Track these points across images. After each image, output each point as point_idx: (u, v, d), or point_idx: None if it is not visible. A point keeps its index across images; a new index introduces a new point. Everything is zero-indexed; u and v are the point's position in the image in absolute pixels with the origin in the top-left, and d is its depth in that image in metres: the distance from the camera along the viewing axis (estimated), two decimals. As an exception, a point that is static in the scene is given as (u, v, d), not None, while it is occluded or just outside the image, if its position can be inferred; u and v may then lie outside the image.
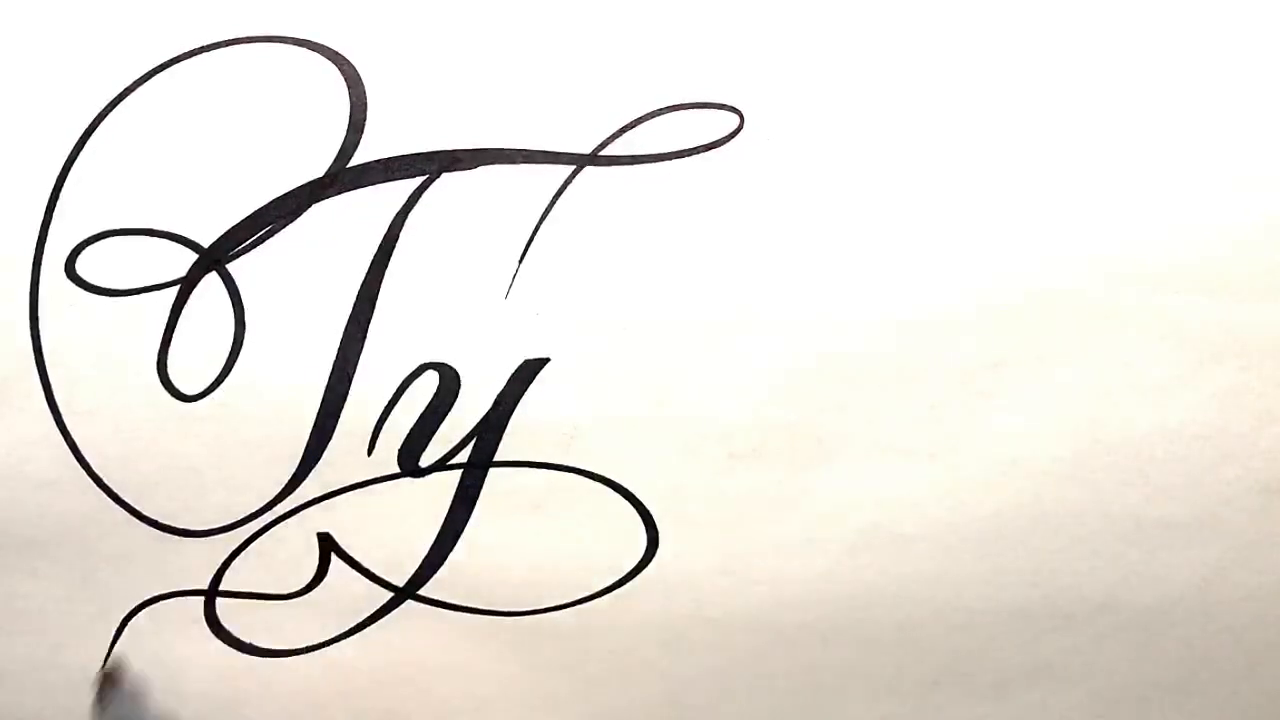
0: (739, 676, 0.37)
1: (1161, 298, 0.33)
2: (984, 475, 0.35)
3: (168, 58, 0.30)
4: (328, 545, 0.35)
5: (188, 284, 0.32)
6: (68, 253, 0.31)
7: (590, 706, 0.37)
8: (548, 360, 0.33)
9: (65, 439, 0.33)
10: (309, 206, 0.32)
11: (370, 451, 0.34)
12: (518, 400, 0.33)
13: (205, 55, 0.31)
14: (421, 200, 0.32)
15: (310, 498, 0.34)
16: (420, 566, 0.35)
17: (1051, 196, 0.32)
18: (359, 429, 0.33)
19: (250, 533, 0.34)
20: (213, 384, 0.33)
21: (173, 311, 0.32)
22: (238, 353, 0.32)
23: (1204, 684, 0.38)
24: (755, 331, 0.33)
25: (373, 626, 0.36)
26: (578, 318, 0.33)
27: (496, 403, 0.33)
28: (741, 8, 0.31)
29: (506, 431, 0.34)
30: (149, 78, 0.31)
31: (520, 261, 0.32)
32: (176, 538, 0.34)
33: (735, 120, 0.32)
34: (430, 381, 0.33)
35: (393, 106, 0.31)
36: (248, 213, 0.31)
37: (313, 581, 0.35)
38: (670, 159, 0.32)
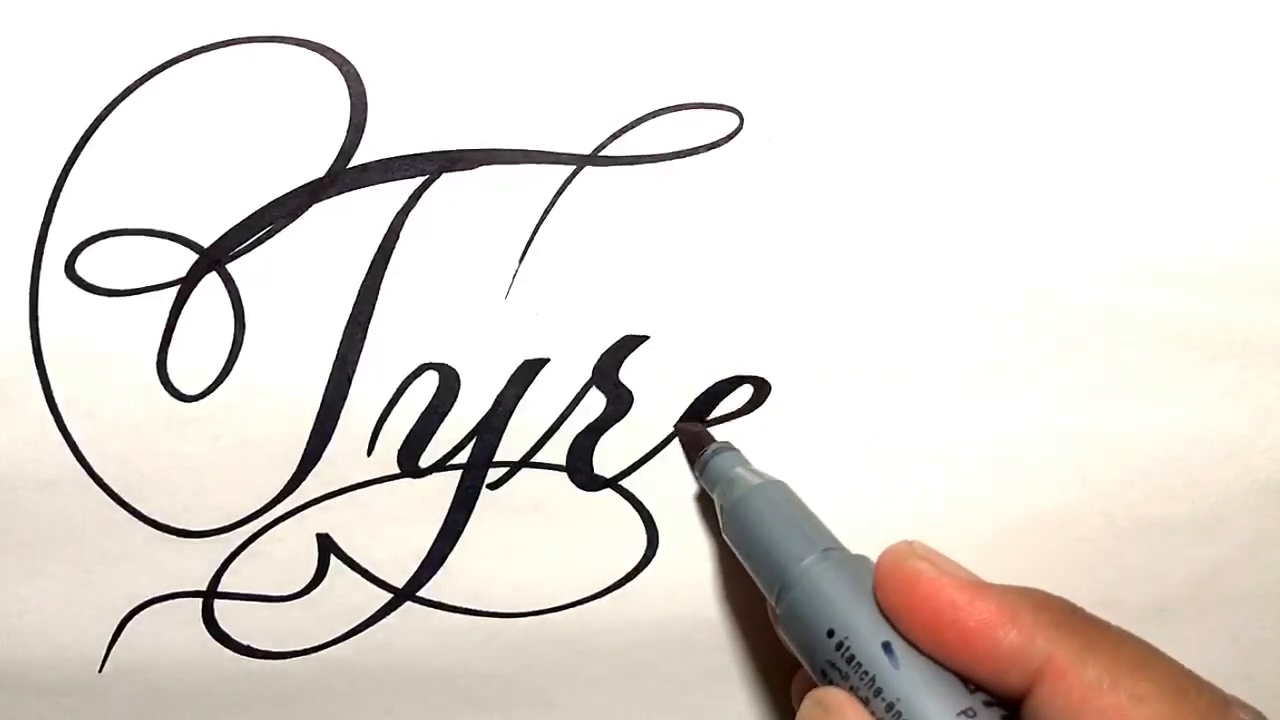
0: (739, 677, 0.37)
1: (1161, 298, 0.33)
2: (984, 475, 0.35)
3: (168, 58, 0.30)
4: (327, 546, 0.35)
5: (188, 284, 0.32)
6: (68, 253, 0.31)
7: (590, 708, 0.37)
8: (548, 360, 0.33)
9: (64, 439, 0.33)
10: (309, 207, 0.32)
11: (370, 452, 0.34)
12: (518, 400, 0.33)
13: (205, 55, 0.31)
14: (422, 200, 0.32)
15: (310, 498, 0.34)
16: (420, 567, 0.35)
17: (1052, 197, 0.32)
18: (359, 429, 0.33)
19: (250, 533, 0.34)
20: (213, 384, 0.33)
21: (173, 311, 0.32)
22: (238, 353, 0.32)
23: (1204, 684, 0.38)
24: (755, 331, 0.33)
25: (373, 627, 0.36)
26: (578, 318, 0.33)
27: (496, 403, 0.33)
28: (741, 8, 0.31)
29: (506, 432, 0.34)
30: (149, 78, 0.30)
31: (520, 261, 0.32)
32: (176, 538, 0.34)
33: (735, 120, 0.32)
34: (430, 381, 0.33)
35: (393, 106, 0.31)
36: (248, 213, 0.31)
37: (312, 582, 0.35)
38: (670, 159, 0.32)
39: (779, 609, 0.28)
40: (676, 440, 0.34)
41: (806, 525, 0.30)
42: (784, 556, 0.29)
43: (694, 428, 0.34)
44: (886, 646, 0.25)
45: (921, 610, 0.25)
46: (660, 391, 0.34)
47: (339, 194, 0.32)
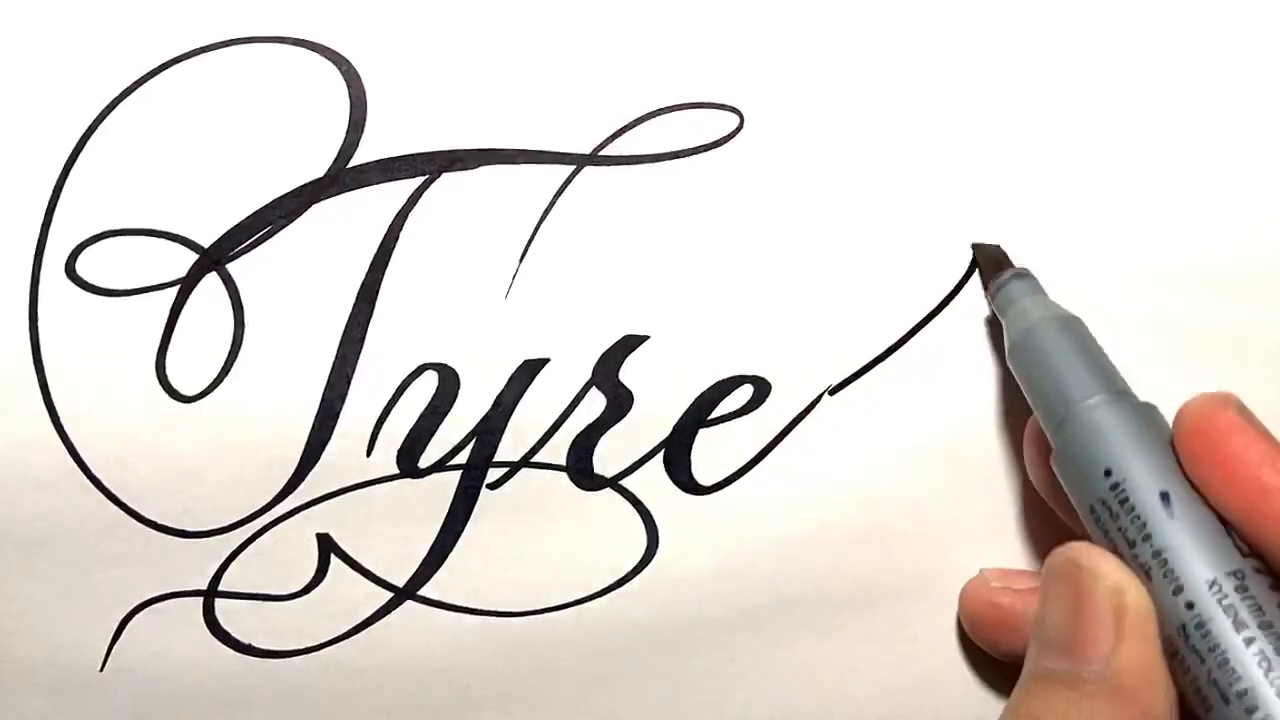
0: (739, 676, 0.37)
1: (1161, 298, 0.33)
2: (984, 474, 0.35)
3: (168, 58, 0.30)
4: (327, 546, 0.35)
5: (187, 284, 0.32)
6: (68, 253, 0.31)
7: (590, 707, 0.37)
8: (548, 360, 0.33)
9: (63, 440, 0.33)
10: (309, 207, 0.32)
11: (369, 452, 0.34)
12: (518, 401, 0.33)
13: (205, 55, 0.31)
14: (422, 200, 0.32)
15: (309, 499, 0.34)
16: (420, 567, 0.35)
17: (1051, 196, 0.32)
18: (358, 430, 0.33)
19: (249, 534, 0.34)
20: (212, 384, 0.33)
21: (172, 312, 0.32)
22: (237, 353, 0.32)
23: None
24: (755, 331, 0.33)
25: (373, 626, 0.36)
26: (578, 318, 0.33)
27: (496, 403, 0.33)
28: (741, 8, 0.31)
29: (506, 432, 0.34)
30: (149, 78, 0.30)
31: (520, 261, 0.32)
32: (175, 539, 0.34)
33: (735, 120, 0.32)
34: (430, 382, 0.33)
35: (393, 106, 0.31)
36: (248, 213, 0.31)
37: (312, 582, 0.35)
38: (670, 159, 0.32)
39: (1056, 442, 0.28)
40: (674, 441, 0.34)
41: (1099, 365, 0.29)
42: (1071, 390, 0.28)
43: (991, 248, 0.33)
44: (1165, 496, 0.25)
45: (1226, 464, 0.24)
46: (660, 391, 0.34)
47: (339, 194, 0.32)
